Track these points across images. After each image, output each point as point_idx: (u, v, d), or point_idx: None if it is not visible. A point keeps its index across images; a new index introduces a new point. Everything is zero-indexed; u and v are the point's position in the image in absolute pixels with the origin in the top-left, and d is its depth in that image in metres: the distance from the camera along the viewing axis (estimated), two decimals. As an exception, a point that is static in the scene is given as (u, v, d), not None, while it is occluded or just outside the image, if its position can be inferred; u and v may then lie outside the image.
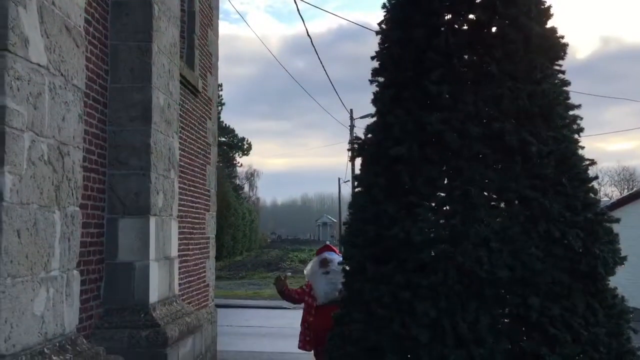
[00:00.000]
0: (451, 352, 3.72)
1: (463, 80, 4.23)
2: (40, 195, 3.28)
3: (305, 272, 6.13)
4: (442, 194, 4.26)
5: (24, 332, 3.10)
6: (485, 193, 4.15)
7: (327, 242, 7.41)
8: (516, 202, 4.15)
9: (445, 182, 4.25)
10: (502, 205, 4.21)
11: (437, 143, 4.14)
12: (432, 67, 4.19)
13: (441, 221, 4.13)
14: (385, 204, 4.27)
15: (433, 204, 4.21)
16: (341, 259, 5.38)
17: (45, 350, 3.29)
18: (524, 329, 3.87)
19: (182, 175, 7.17)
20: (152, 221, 5.35)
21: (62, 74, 3.54)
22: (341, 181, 52.67)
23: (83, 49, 3.86)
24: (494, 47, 4.22)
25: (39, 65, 3.28)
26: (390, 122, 4.32)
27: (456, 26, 4.37)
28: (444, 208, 4.19)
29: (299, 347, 6.04)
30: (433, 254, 3.98)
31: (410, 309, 3.90)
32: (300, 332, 5.97)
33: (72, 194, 3.68)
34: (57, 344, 3.43)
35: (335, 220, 63.41)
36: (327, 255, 5.91)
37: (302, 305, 6.25)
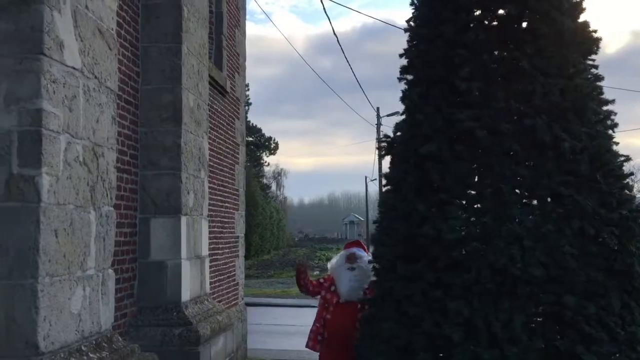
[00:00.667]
0: (484, 352, 3.69)
1: (493, 76, 4.19)
2: (76, 195, 3.35)
3: (329, 265, 5.67)
4: (473, 192, 4.23)
5: (62, 330, 3.16)
6: (517, 190, 4.10)
7: (358, 238, 6.97)
8: (549, 199, 4.10)
9: (476, 179, 4.22)
10: (534, 202, 4.16)
11: (467, 140, 4.11)
12: (462, 64, 4.16)
13: (472, 219, 4.10)
14: (415, 202, 4.25)
15: (464, 202, 4.19)
16: (370, 257, 5.19)
17: (83, 347, 3.36)
18: (558, 327, 3.82)
19: (211, 175, 7.24)
20: (184, 221, 5.41)
21: (95, 77, 3.61)
22: (368, 180, 52.56)
23: (115, 51, 3.93)
24: (525, 42, 4.18)
25: (73, 68, 3.34)
26: (419, 120, 4.31)
27: (486, 22, 4.34)
28: (475, 206, 4.16)
29: (307, 346, 5.49)
30: (464, 252, 3.96)
31: (442, 307, 3.88)
32: (312, 330, 5.42)
33: (107, 194, 3.75)
34: (94, 342, 3.50)
35: (362, 219, 63.26)
36: (355, 250, 5.51)
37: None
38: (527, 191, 4.09)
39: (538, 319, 3.90)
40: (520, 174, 3.98)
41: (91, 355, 3.38)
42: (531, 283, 3.79)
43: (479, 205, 4.15)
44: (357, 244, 5.80)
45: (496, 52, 4.30)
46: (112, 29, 3.88)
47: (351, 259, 5.39)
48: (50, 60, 3.10)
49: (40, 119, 3.01)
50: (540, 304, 3.83)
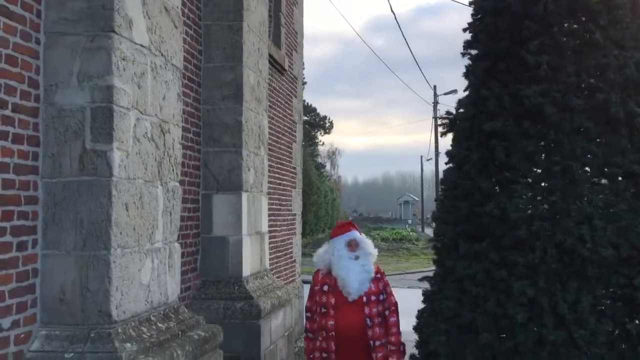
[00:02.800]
0: (550, 333, 3.61)
1: (564, 49, 4.03)
2: (144, 170, 3.44)
3: (316, 258, 4.56)
4: (539, 170, 4.11)
5: (132, 300, 3.28)
6: (587, 168, 3.96)
7: (349, 219, 5.60)
8: (620, 178, 3.94)
9: (543, 157, 4.09)
10: (604, 181, 4.01)
11: (535, 117, 3.98)
12: (530, 37, 4.02)
13: (538, 198, 3.99)
14: (479, 180, 4.17)
15: (529, 180, 4.07)
16: (368, 240, 4.58)
17: (152, 317, 3.47)
18: (629, 310, 3.69)
19: (270, 152, 7.30)
20: (244, 197, 5.49)
21: (162, 54, 3.67)
22: (424, 159, 52.01)
23: (181, 29, 3.99)
24: (598, 13, 3.99)
25: (141, 45, 3.41)
26: (485, 96, 4.19)
27: (556, -8, 4.16)
28: (542, 184, 4.05)
29: None
30: (530, 231, 3.86)
31: (506, 287, 3.81)
32: (312, 348, 4.39)
33: (173, 170, 3.84)
34: (162, 312, 3.62)
35: (417, 199, 62.77)
36: (356, 235, 4.52)
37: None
38: (597, 169, 3.95)
39: (607, 301, 3.78)
40: (591, 151, 3.84)
41: (160, 325, 3.49)
42: (601, 264, 3.67)
43: (545, 184, 4.03)
44: (350, 226, 4.69)
45: (566, 24, 4.12)
46: (178, 7, 3.94)
47: (353, 245, 4.45)
48: (120, 38, 3.18)
49: (112, 96, 3.10)
50: (610, 285, 3.70)
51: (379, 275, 4.47)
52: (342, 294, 4.35)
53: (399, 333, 4.41)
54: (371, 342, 4.30)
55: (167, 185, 3.75)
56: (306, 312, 4.54)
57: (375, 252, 4.52)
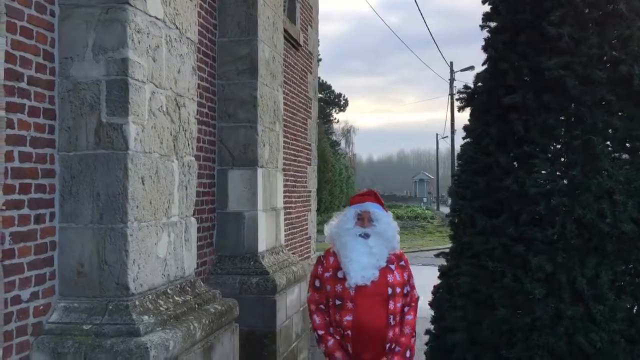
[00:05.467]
0: (568, 308, 3.58)
1: (586, 20, 3.93)
2: (160, 144, 3.43)
3: (327, 231, 3.75)
4: (558, 146, 4.04)
5: (149, 273, 3.29)
6: (608, 142, 3.89)
7: (372, 188, 4.12)
8: (641, 152, 3.87)
9: (563, 131, 4.02)
10: (625, 155, 3.94)
11: (556, 90, 3.91)
12: (552, 8, 3.92)
13: (558, 172, 3.93)
14: (497, 154, 4.11)
15: (549, 155, 4.01)
16: (390, 217, 3.69)
17: (168, 291, 3.50)
18: (649, 286, 3.65)
19: (285, 129, 7.27)
20: (260, 172, 5.48)
21: (177, 27, 3.64)
22: (439, 137, 51.65)
23: (195, 2, 3.94)
24: (622, -17, 3.88)
25: (156, 18, 3.38)
26: (504, 69, 4.12)
27: (579, -38, 4.05)
28: (561, 159, 3.99)
29: None
30: (549, 206, 3.81)
31: (524, 262, 3.77)
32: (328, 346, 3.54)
33: (188, 145, 3.82)
34: (178, 286, 3.63)
35: (432, 177, 62.50)
36: (371, 207, 3.61)
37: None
38: (618, 143, 3.87)
39: (626, 277, 3.74)
40: (612, 125, 3.76)
41: (176, 298, 3.51)
42: (621, 239, 3.62)
43: (565, 159, 3.97)
44: (370, 196, 3.77)
45: (589, -5, 4.02)
46: (192, -21, 3.89)
47: (364, 220, 3.57)
48: (135, 10, 3.14)
49: (127, 68, 3.08)
50: (630, 261, 3.65)
51: (402, 263, 3.62)
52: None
53: (412, 335, 3.55)
54: (388, 344, 3.46)
55: (183, 160, 3.74)
56: (311, 304, 3.65)
57: (395, 238, 3.62)
